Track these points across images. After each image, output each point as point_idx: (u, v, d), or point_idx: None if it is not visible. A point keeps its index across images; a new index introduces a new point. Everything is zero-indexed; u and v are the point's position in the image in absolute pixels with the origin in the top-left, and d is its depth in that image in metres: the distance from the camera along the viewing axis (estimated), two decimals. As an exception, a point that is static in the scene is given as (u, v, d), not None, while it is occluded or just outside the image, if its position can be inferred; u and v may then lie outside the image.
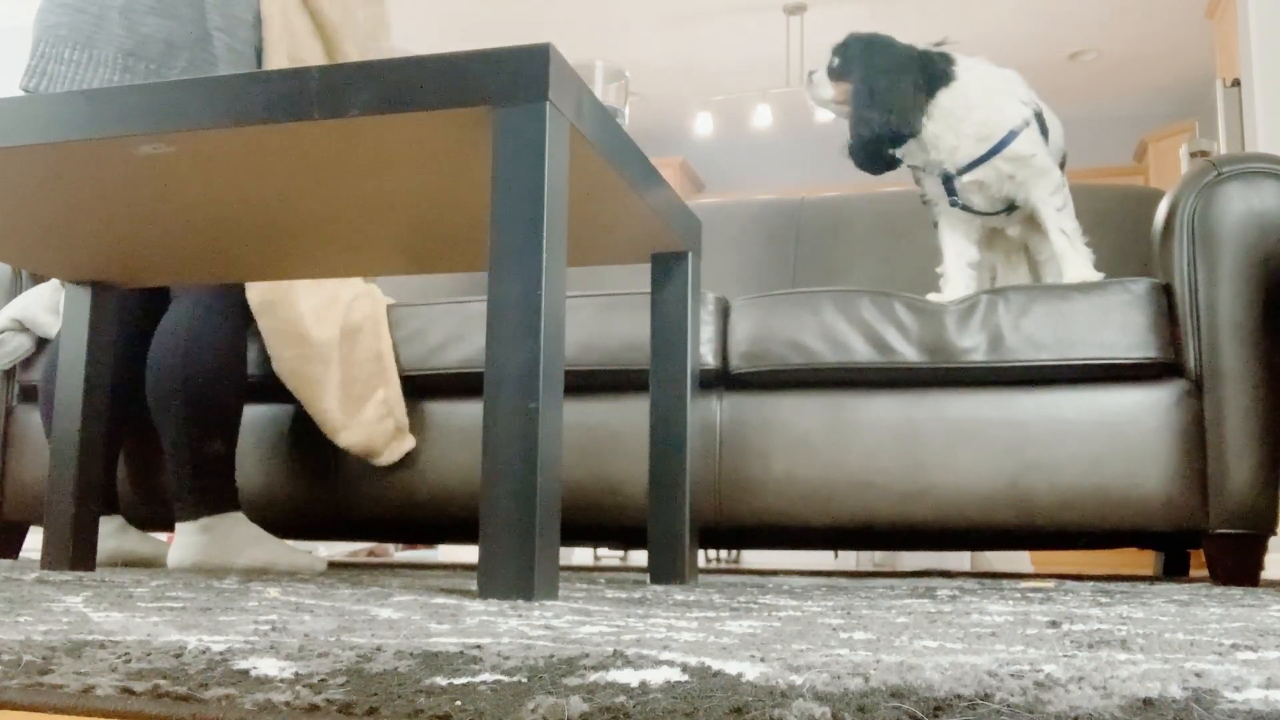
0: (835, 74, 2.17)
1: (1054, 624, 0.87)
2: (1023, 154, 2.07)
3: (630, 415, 2.03)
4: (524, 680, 0.50)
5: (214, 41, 1.80)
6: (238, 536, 1.87)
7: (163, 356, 1.87)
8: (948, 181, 2.13)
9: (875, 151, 2.13)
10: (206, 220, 1.52)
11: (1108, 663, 0.57)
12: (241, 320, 1.95)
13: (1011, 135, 2.07)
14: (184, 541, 1.85)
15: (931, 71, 2.09)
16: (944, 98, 2.08)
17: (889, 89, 2.07)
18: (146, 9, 1.80)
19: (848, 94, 2.15)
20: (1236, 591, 1.55)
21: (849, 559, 5.73)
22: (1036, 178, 2.08)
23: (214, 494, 1.87)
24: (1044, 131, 2.13)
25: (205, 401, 1.86)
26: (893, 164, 2.16)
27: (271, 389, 2.20)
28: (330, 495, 2.15)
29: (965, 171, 2.10)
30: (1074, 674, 0.52)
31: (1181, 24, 6.06)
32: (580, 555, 6.10)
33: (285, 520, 2.19)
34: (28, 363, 2.32)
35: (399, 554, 5.11)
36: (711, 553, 6.02)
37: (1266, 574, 3.70)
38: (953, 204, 2.15)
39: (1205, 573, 3.45)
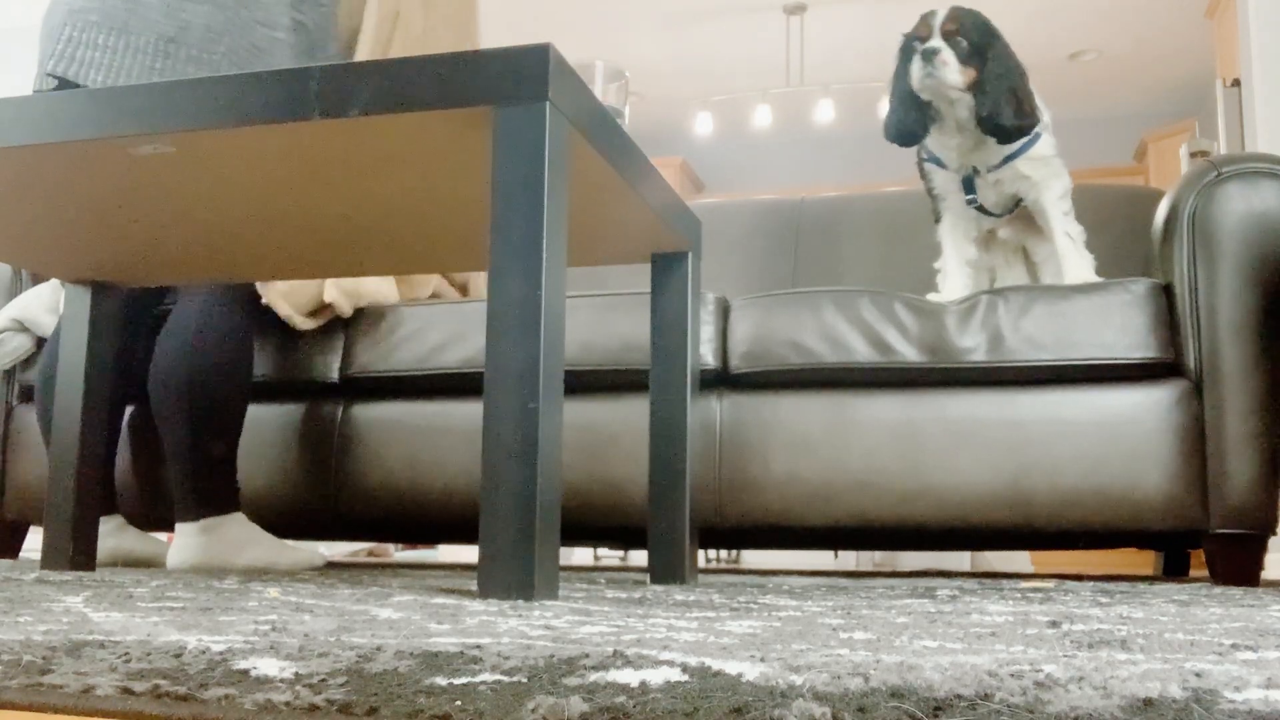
0: (965, 58, 2.03)
1: (1054, 624, 0.87)
2: (1045, 155, 2.08)
3: (630, 415, 2.03)
4: (524, 680, 0.50)
5: (254, 32, 1.81)
6: (238, 537, 1.86)
7: (168, 356, 1.86)
8: (968, 180, 2.13)
9: (913, 125, 2.09)
10: (206, 220, 1.52)
11: (1108, 663, 0.57)
12: (248, 320, 1.94)
13: (1035, 137, 2.08)
14: (184, 542, 1.85)
15: None
16: None
17: (1019, 84, 2.01)
18: None
19: (972, 81, 2.04)
20: (1236, 591, 1.55)
21: (849, 559, 5.73)
22: (1052, 179, 2.09)
23: (215, 494, 1.87)
24: None
25: (210, 402, 1.86)
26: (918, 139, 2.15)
27: (272, 389, 2.20)
28: (330, 495, 2.15)
29: (992, 171, 2.10)
30: (1074, 674, 0.52)
31: (1181, 24, 6.06)
32: (580, 555, 6.10)
33: (285, 520, 2.19)
34: (28, 363, 2.32)
35: (399, 554, 5.11)
36: (711, 553, 6.02)
37: (1266, 574, 3.70)
38: (970, 203, 2.15)
39: (1205, 573, 3.45)
